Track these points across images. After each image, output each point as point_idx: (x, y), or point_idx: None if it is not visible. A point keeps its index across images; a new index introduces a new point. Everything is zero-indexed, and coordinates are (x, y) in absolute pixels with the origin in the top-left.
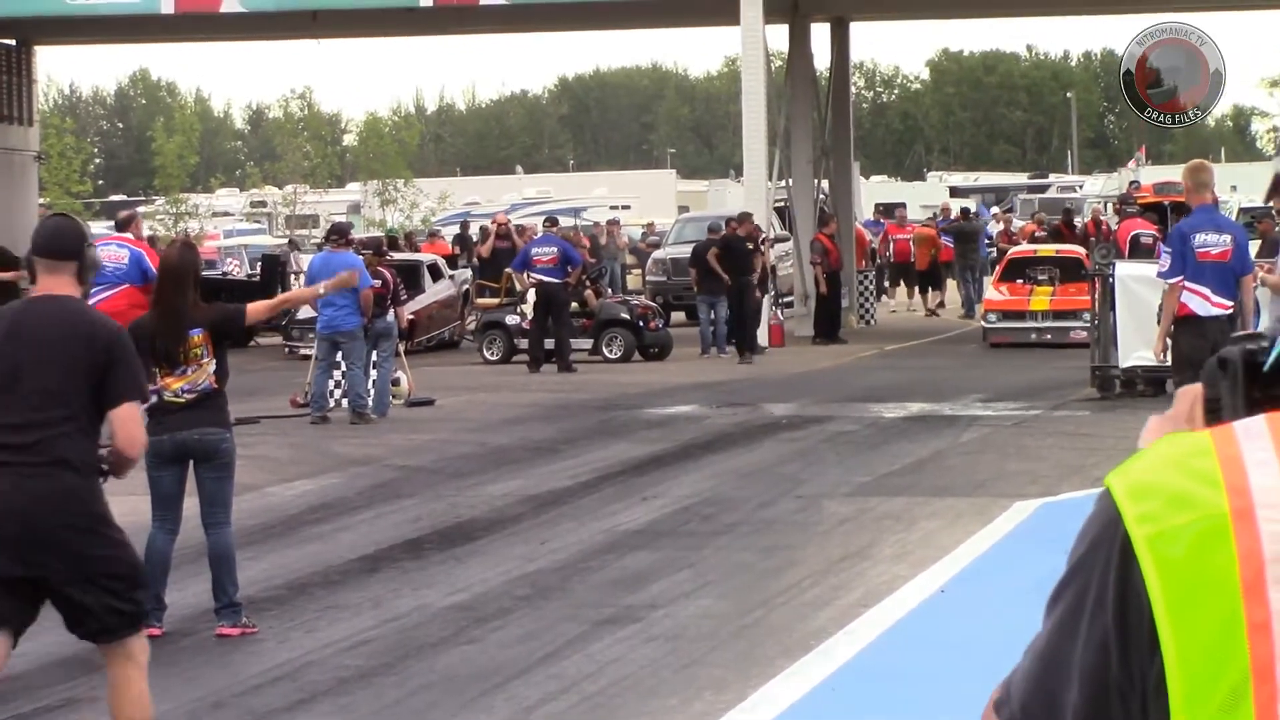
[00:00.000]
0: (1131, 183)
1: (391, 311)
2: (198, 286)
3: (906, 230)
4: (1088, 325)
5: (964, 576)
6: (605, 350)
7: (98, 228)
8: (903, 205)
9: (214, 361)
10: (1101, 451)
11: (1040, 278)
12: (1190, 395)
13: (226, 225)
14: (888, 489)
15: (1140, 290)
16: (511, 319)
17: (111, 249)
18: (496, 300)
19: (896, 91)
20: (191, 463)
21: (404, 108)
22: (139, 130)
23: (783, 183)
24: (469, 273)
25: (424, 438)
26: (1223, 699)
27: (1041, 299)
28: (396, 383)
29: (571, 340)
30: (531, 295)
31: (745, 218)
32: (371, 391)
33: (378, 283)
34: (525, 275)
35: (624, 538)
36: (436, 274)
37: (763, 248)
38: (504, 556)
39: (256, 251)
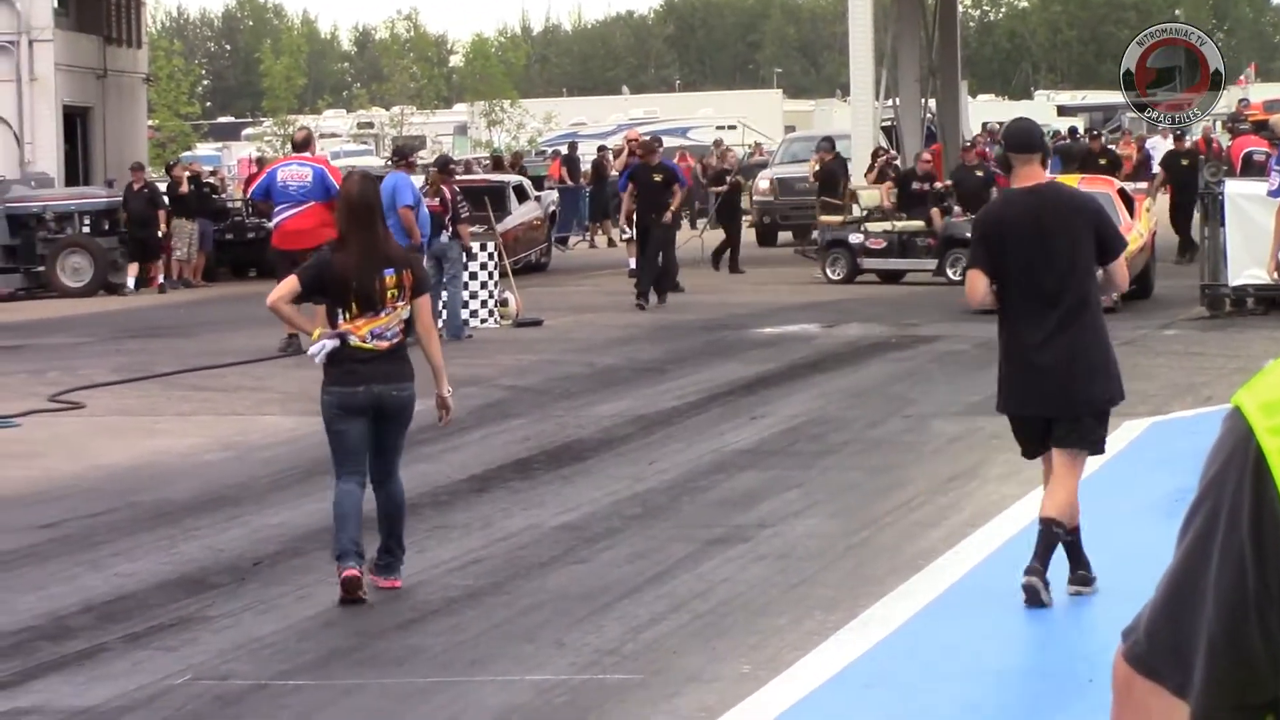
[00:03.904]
0: (1240, 100)
1: (450, 230)
2: (384, 221)
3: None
4: None
5: None
6: (949, 271)
7: (205, 149)
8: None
9: (409, 308)
10: (1211, 370)
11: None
12: None
13: (334, 147)
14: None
15: (1250, 208)
16: (855, 237)
17: (294, 168)
18: (840, 218)
19: (1004, 9)
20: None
21: (510, 29)
22: (246, 52)
23: (890, 102)
24: (555, 194)
25: (531, 358)
26: None
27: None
28: (504, 303)
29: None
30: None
31: (650, 147)
32: (443, 313)
33: (435, 201)
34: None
35: (732, 457)
36: (523, 196)
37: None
38: (612, 476)
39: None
